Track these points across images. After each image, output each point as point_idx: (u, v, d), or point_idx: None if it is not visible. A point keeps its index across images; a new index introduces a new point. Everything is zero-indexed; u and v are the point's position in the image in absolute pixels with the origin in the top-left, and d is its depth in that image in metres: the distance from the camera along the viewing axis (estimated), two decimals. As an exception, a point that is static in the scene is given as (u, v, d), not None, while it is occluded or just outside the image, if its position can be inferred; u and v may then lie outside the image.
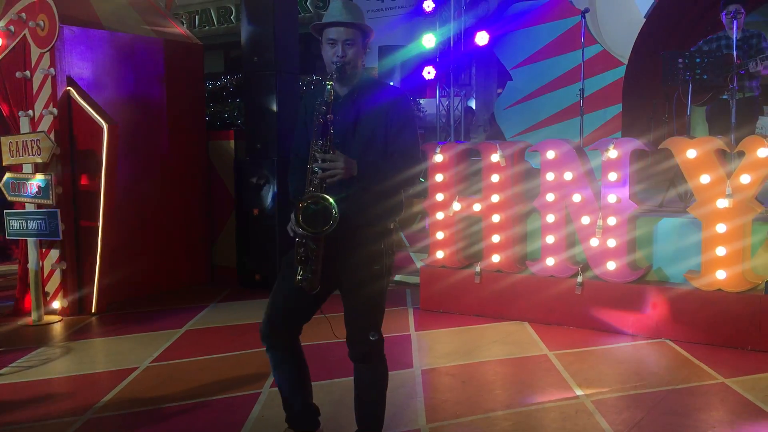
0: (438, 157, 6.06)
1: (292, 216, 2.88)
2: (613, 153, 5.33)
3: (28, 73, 6.19)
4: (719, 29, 6.39)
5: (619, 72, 9.19)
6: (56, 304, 6.18)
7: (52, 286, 6.21)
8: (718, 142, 5.02)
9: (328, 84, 2.90)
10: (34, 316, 5.94)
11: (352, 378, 3.21)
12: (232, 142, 7.55)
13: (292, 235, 2.97)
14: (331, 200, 2.84)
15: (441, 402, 4.06)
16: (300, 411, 3.31)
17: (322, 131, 2.89)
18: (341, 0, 2.99)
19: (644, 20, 8.88)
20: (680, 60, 5.88)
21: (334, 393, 4.12)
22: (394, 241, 3.18)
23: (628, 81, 9.12)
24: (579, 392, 4.14)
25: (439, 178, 6.08)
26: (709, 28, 7.57)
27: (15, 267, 7.41)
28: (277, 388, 3.68)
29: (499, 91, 11.28)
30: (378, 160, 2.99)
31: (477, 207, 5.95)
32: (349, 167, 2.88)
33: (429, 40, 9.89)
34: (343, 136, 2.98)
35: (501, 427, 3.69)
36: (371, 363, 3.14)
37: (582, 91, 7.59)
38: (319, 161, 2.88)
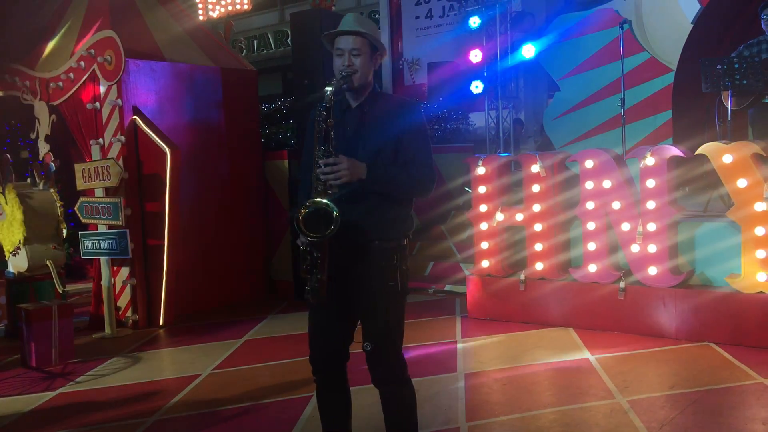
0: (480, 170, 6.28)
1: (296, 226, 2.83)
2: (650, 160, 5.45)
3: (98, 104, 6.71)
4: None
5: (668, 78, 9.18)
6: (127, 318, 6.65)
7: (123, 301, 6.69)
8: (754, 147, 5.08)
9: (327, 88, 2.86)
10: (107, 329, 6.41)
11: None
12: (286, 162, 7.94)
13: (301, 246, 2.91)
14: (328, 202, 2.79)
15: (481, 403, 4.27)
16: None
17: (324, 137, 2.85)
18: (353, 14, 3.02)
19: (692, 26, 8.88)
20: (719, 66, 5.95)
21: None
22: (407, 257, 3.06)
23: (678, 87, 9.11)
24: (617, 393, 4.28)
25: (482, 189, 6.30)
26: (759, 33, 7.56)
27: (89, 285, 7.97)
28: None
29: (549, 101, 11.38)
30: (388, 166, 2.94)
31: (519, 217, 6.13)
32: (353, 169, 2.83)
33: (476, 56, 10.12)
34: (353, 147, 2.94)
35: (536, 425, 3.87)
36: (393, 385, 3.07)
37: (623, 101, 7.67)
38: (322, 166, 2.83)
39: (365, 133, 2.98)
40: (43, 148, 7.22)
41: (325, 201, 2.80)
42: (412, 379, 3.16)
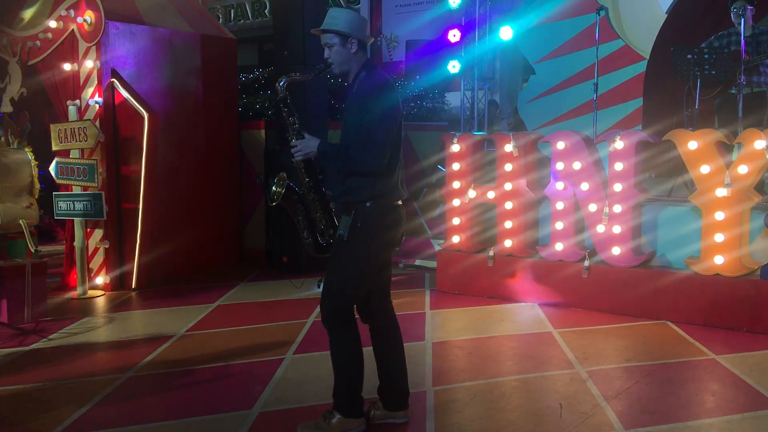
0: (455, 147, 6.41)
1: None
2: (619, 144, 5.63)
3: (75, 65, 6.68)
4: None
5: (641, 66, 9.39)
6: (99, 280, 6.69)
7: (95, 263, 6.72)
8: (718, 135, 5.28)
9: (279, 83, 3.43)
10: (79, 290, 6.45)
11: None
12: (262, 132, 7.99)
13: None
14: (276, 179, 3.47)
15: (447, 369, 4.44)
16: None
17: (287, 126, 3.44)
18: (330, 9, 3.42)
19: (666, 16, 9.08)
20: (689, 56, 6.14)
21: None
22: (372, 219, 3.35)
23: (649, 75, 9.33)
24: (576, 364, 4.48)
25: (456, 166, 6.44)
26: (731, 25, 7.78)
27: (60, 247, 7.97)
28: (299, 356, 4.31)
29: (524, 84, 11.54)
30: (341, 143, 3.40)
31: (491, 194, 6.29)
32: (302, 148, 3.37)
33: (454, 35, 10.20)
34: (343, 126, 3.45)
35: (500, 391, 4.05)
36: (330, 326, 3.43)
37: (596, 86, 7.83)
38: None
39: (348, 112, 3.44)
40: (6, 106, 7.14)
41: (276, 179, 3.49)
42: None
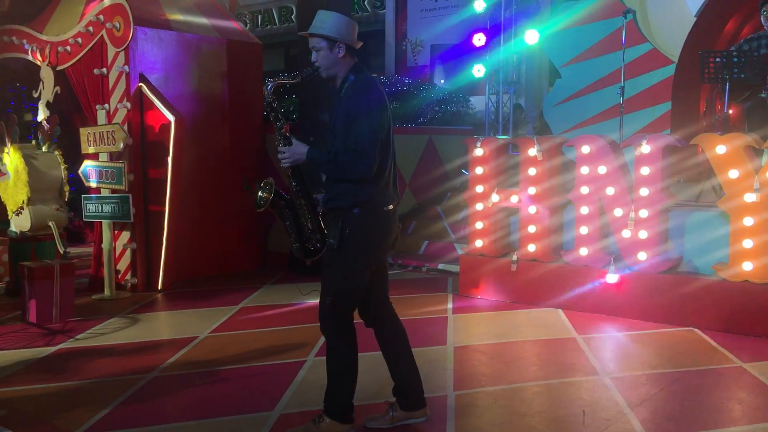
0: (478, 151, 6.39)
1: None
2: (645, 148, 5.56)
3: (104, 70, 6.79)
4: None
5: (669, 70, 9.27)
6: (126, 281, 6.78)
7: (123, 264, 6.81)
8: (747, 139, 5.20)
9: (265, 89, 3.43)
10: (106, 291, 6.54)
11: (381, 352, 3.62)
12: (287, 136, 8.01)
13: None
14: (262, 184, 3.48)
15: (469, 374, 4.42)
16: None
17: (276, 131, 3.42)
18: (318, 12, 3.35)
19: (695, 19, 8.96)
20: (718, 59, 6.05)
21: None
22: (360, 225, 3.32)
23: (678, 79, 9.21)
24: (600, 371, 4.43)
25: (479, 170, 6.41)
26: (760, 28, 7.65)
27: (89, 249, 8.10)
28: (320, 358, 4.27)
29: (550, 88, 11.47)
30: (329, 150, 3.35)
31: (514, 199, 6.25)
32: (291, 155, 3.35)
33: (479, 39, 10.18)
34: (333, 131, 3.41)
35: (520, 397, 4.02)
36: (325, 332, 3.44)
37: (622, 89, 7.76)
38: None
39: (336, 117, 3.39)
40: (43, 111, 7.28)
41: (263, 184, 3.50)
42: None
